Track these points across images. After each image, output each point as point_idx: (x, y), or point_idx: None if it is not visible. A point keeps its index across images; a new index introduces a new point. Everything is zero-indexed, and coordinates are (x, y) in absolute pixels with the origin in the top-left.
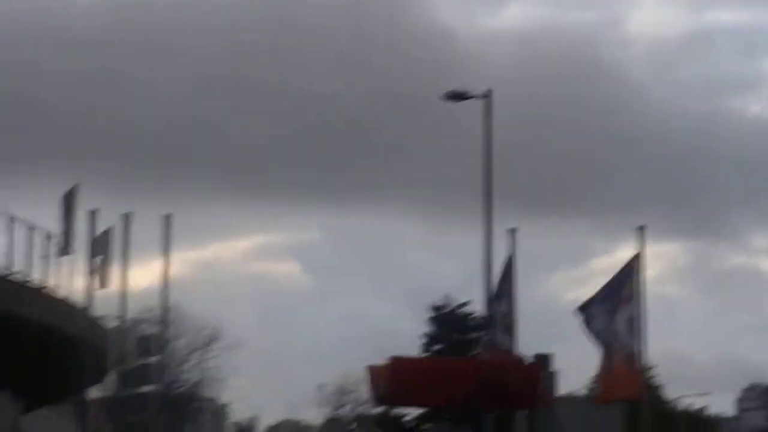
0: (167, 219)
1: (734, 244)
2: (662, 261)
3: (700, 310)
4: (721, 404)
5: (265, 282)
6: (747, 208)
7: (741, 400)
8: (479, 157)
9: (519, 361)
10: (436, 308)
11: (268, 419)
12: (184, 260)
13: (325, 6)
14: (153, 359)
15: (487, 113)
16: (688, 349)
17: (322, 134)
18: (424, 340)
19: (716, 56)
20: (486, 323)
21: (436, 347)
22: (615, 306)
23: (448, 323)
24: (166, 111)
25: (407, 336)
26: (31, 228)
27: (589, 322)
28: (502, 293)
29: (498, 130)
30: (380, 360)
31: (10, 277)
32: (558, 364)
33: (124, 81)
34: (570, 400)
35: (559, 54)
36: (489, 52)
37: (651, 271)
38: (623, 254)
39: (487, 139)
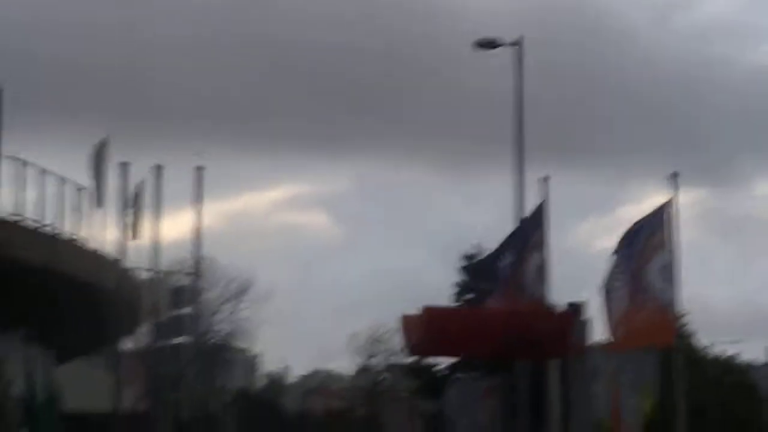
0: (198, 171)
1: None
2: (686, 208)
3: (722, 257)
4: (753, 351)
5: (295, 233)
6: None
7: None
8: (508, 106)
9: (551, 309)
10: (467, 257)
11: (299, 369)
12: (214, 212)
13: None
14: (185, 310)
15: (518, 61)
16: (716, 297)
17: (349, 86)
18: (455, 290)
19: None
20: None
21: (468, 296)
22: (645, 252)
23: (479, 272)
24: (195, 65)
25: (439, 286)
26: (62, 180)
27: (618, 265)
28: (528, 242)
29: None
30: (413, 310)
31: (43, 230)
32: (590, 313)
33: (153, 35)
34: (602, 347)
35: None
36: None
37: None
38: (652, 202)
39: (518, 87)
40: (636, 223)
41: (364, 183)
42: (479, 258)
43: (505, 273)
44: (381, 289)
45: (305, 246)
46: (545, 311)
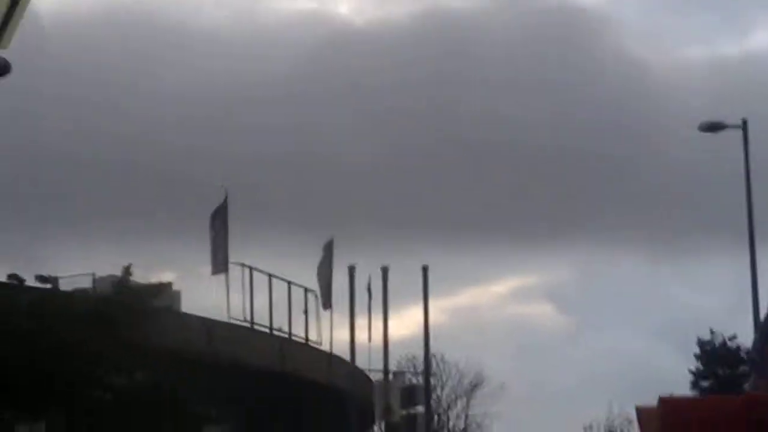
0: (425, 270)
1: None
2: None
3: None
4: None
5: (522, 325)
6: None
7: None
8: (734, 187)
9: None
10: (702, 343)
11: None
12: (440, 309)
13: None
14: (418, 409)
15: (745, 142)
16: None
17: (566, 176)
18: (691, 377)
19: None
20: (752, 358)
21: (705, 384)
22: None
23: (715, 358)
24: (414, 168)
25: (668, 371)
26: (290, 284)
27: None
28: None
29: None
30: (647, 399)
31: (275, 334)
32: None
33: (373, 139)
34: None
35: None
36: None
37: None
38: None
39: (746, 168)
40: None
41: (587, 271)
42: (714, 344)
43: (753, 357)
44: (611, 378)
45: (532, 337)
46: None
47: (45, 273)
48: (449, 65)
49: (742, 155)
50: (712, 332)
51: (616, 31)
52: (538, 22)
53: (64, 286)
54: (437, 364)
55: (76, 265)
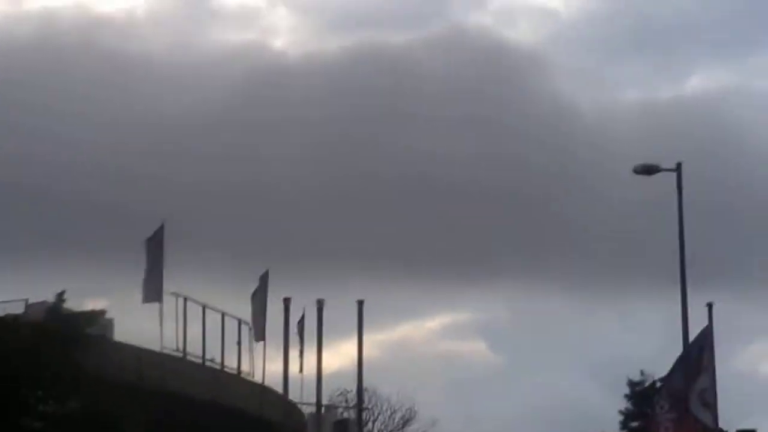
0: (360, 304)
1: None
2: None
3: None
4: None
5: (455, 361)
6: None
7: None
8: (668, 230)
9: None
10: (632, 383)
11: None
12: (374, 343)
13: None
14: None
15: (679, 184)
16: None
17: (502, 216)
18: (621, 417)
19: None
20: (662, 397)
21: (634, 424)
22: None
23: (645, 398)
24: (348, 204)
25: (598, 410)
26: (224, 315)
27: None
28: (691, 367)
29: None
30: None
31: (207, 365)
32: None
33: (309, 174)
34: None
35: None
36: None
37: None
38: None
39: (680, 209)
40: None
41: (520, 309)
42: (644, 385)
43: (672, 398)
44: (543, 417)
45: (465, 374)
46: None
47: None
48: (383, 99)
49: (675, 197)
50: (642, 373)
51: (551, 72)
52: (473, 59)
53: None
54: (369, 398)
55: (9, 291)
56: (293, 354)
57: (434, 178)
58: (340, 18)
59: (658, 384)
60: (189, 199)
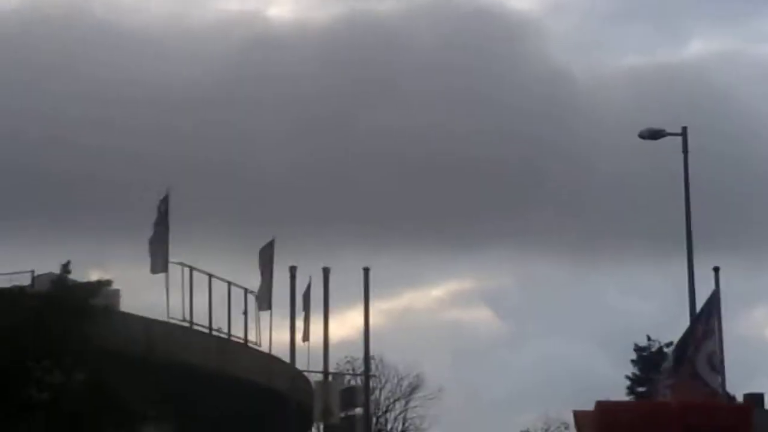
0: (366, 272)
1: None
2: None
3: None
4: None
5: (461, 329)
6: None
7: None
8: (674, 197)
9: (728, 401)
10: (639, 349)
11: None
12: (381, 311)
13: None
14: (357, 411)
15: (685, 149)
16: None
17: (510, 181)
18: (627, 383)
19: None
20: (674, 361)
21: (641, 389)
22: None
23: (652, 364)
24: (357, 170)
25: (608, 379)
26: (230, 284)
27: None
28: (699, 331)
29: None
30: (583, 404)
31: (214, 334)
32: None
33: (317, 142)
34: None
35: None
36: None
37: None
38: None
39: (686, 174)
40: None
41: (525, 276)
42: (651, 350)
43: (680, 363)
44: (549, 383)
45: (471, 342)
46: (722, 403)
47: None
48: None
49: (681, 162)
50: (649, 339)
51: (545, 38)
52: (465, 26)
53: (2, 283)
54: (376, 366)
55: (15, 263)
56: (300, 323)
57: (440, 150)
58: None
59: (665, 349)
60: (195, 171)
